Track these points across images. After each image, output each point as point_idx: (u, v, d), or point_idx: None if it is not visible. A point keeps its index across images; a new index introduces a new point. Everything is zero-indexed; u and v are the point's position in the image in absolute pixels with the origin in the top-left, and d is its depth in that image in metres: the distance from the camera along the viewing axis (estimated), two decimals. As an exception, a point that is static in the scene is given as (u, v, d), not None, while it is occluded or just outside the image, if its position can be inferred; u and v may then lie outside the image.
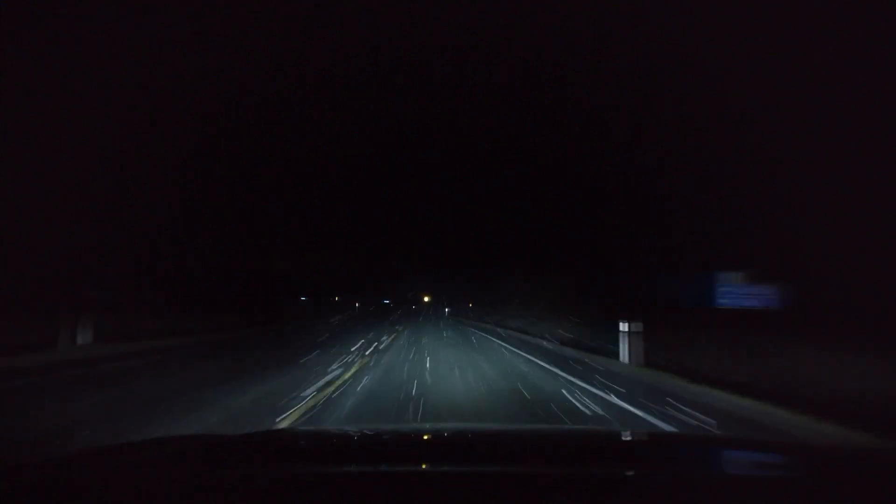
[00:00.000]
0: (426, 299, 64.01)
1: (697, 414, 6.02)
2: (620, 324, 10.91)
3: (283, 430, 4.29)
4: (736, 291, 12.61)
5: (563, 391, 7.51)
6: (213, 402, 6.54)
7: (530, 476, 1.43)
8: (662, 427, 5.51)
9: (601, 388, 7.83)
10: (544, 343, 16.56)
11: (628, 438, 2.34)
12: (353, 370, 9.46)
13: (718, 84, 14.11)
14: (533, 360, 11.74)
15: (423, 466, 1.60)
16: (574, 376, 9.12)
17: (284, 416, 5.75)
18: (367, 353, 12.89)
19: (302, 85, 24.29)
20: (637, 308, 12.91)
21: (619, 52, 17.22)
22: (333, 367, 9.84)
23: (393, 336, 19.60)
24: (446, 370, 9.65)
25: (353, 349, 13.78)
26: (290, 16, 19.84)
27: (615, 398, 7.01)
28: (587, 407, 6.41)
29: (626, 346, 10.70)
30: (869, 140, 10.57)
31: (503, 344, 16.53)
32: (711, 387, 7.49)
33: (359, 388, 7.56)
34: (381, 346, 14.85)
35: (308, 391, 7.22)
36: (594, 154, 21.18)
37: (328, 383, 7.91)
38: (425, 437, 2.20)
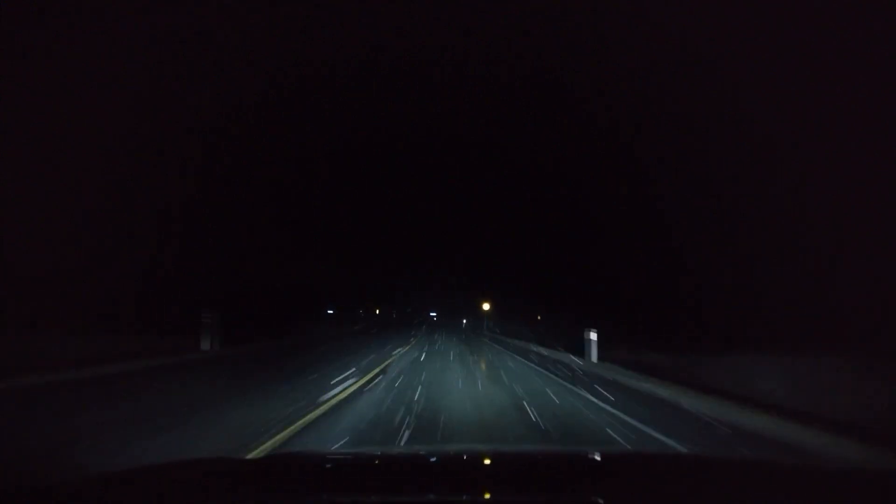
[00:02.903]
0: (485, 307, 50.05)
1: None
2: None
3: (285, 454, 4.27)
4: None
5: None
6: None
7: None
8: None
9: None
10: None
11: (624, 460, 2.52)
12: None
13: (719, 86, 13.59)
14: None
15: (416, 495, 1.65)
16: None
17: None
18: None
19: (311, 87, 24.58)
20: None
21: (619, 53, 16.67)
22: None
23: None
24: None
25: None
26: (291, 15, 20.08)
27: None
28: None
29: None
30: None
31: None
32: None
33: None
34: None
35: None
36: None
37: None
38: (424, 463, 2.30)
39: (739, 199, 13.82)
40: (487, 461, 2.33)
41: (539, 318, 41.51)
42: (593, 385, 10.86)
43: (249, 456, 4.90)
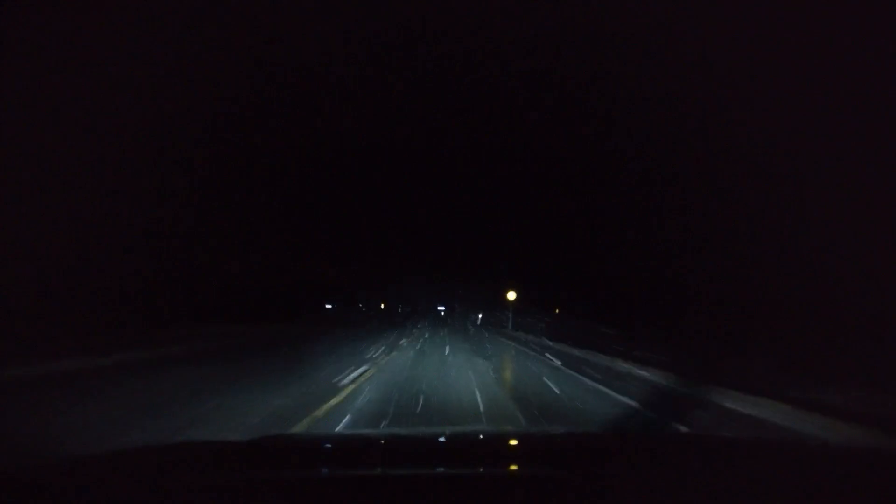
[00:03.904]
0: (510, 296, 38.30)
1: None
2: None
3: (280, 436, 4.10)
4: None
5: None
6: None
7: (526, 478, 1.50)
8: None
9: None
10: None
11: (615, 440, 2.47)
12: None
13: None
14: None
15: (414, 471, 1.62)
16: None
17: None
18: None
19: (310, 82, 24.42)
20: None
21: (624, 55, 16.67)
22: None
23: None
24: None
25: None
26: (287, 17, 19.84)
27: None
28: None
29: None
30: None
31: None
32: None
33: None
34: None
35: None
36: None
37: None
38: (431, 441, 2.27)
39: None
40: (494, 439, 2.34)
41: (557, 311, 37.46)
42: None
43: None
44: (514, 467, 1.68)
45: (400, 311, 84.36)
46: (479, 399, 8.04)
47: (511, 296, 36.17)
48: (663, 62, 16.32)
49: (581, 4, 16.88)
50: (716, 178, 14.35)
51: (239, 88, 21.47)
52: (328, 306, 53.75)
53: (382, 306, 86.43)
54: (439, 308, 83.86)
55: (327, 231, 43.90)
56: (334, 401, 7.53)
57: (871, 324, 9.85)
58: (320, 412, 6.80)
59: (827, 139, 10.59)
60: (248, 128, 23.98)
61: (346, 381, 9.35)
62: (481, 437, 2.43)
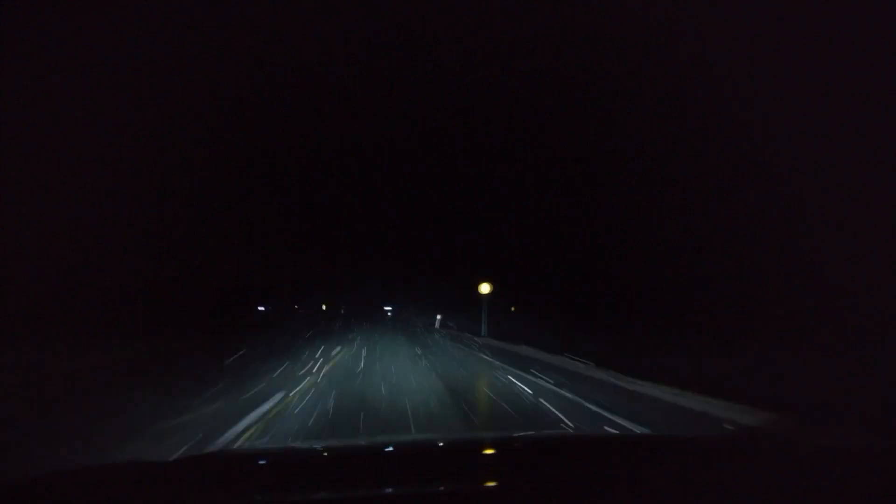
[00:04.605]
0: (484, 289, 26.68)
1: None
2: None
3: (211, 453, 3.50)
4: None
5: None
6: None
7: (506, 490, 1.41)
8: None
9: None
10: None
11: (595, 442, 2.42)
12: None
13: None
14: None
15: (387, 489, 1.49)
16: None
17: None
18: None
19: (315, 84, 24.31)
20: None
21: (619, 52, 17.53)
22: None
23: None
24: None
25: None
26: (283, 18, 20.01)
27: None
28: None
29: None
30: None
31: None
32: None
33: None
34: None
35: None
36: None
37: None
38: (379, 454, 2.08)
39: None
40: (443, 450, 2.19)
41: (513, 309, 34.37)
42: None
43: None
44: (490, 483, 1.55)
45: (343, 311, 76.91)
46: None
47: (484, 289, 25.61)
48: (663, 62, 17.28)
49: (581, 4, 17.63)
50: (714, 177, 15.24)
51: (239, 88, 21.36)
52: (261, 308, 49.79)
53: (324, 307, 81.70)
54: (386, 308, 71.24)
55: (296, 229, 41.79)
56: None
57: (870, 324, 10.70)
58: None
59: (827, 139, 11.50)
60: (248, 127, 23.63)
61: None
62: (441, 444, 2.31)
